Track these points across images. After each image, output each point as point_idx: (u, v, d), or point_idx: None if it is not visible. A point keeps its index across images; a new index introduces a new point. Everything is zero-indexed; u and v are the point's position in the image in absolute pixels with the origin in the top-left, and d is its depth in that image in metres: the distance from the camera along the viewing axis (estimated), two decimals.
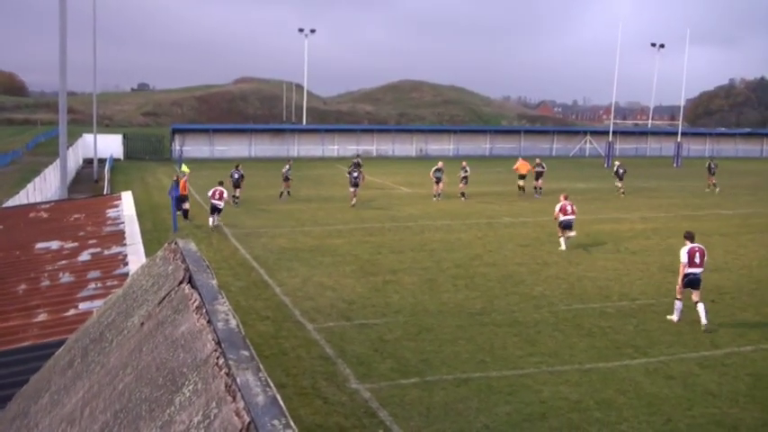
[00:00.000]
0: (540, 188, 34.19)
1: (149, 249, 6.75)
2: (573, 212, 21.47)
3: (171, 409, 2.04)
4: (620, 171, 35.90)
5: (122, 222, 9.32)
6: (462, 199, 32.56)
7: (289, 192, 32.81)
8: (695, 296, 14.43)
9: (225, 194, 24.89)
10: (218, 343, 2.17)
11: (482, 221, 26.96)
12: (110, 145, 51.41)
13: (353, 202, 30.16)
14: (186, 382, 2.10)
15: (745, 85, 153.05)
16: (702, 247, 14.79)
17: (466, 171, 33.19)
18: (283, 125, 72.41)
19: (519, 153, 52.43)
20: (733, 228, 26.46)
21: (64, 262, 7.37)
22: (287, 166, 33.36)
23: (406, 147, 62.23)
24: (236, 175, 29.85)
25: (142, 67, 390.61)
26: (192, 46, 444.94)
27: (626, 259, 20.60)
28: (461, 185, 33.04)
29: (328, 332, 13.62)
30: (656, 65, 69.54)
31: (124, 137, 56.34)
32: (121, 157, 53.74)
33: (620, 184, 35.76)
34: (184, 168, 29.06)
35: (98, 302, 5.31)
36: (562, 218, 21.46)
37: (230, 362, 2.01)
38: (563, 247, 21.56)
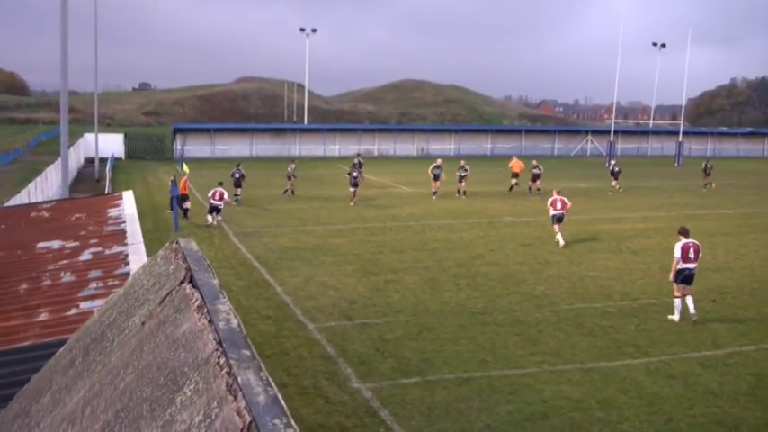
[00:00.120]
0: (539, 189, 34.24)
1: (150, 249, 6.74)
2: (563, 207, 22.12)
3: (172, 408, 2.04)
4: (616, 170, 37.31)
5: (123, 222, 9.31)
6: (463, 197, 32.69)
7: (293, 190, 33.10)
8: (686, 290, 14.57)
9: (225, 195, 25.14)
10: (220, 342, 2.16)
11: (483, 221, 26.95)
12: (111, 144, 51.43)
13: (353, 202, 30.32)
14: (187, 382, 2.10)
15: (746, 85, 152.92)
16: (697, 243, 14.80)
17: (465, 170, 33.35)
18: (285, 125, 72.49)
19: (520, 153, 52.36)
20: (735, 227, 26.44)
21: (65, 261, 7.37)
22: (293, 165, 34.01)
23: (408, 146, 62.22)
24: (237, 175, 30.42)
25: (144, 66, 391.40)
26: (193, 46, 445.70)
27: (627, 259, 20.59)
28: (461, 184, 33.23)
29: (330, 331, 13.63)
30: (658, 64, 69.59)
31: (125, 136, 56.38)
32: (123, 156, 53.77)
33: (614, 183, 36.90)
34: (185, 169, 29.09)
35: (99, 302, 5.31)
36: (552, 212, 22.28)
37: (231, 361, 2.01)
38: (560, 241, 21.84)
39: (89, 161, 48.86)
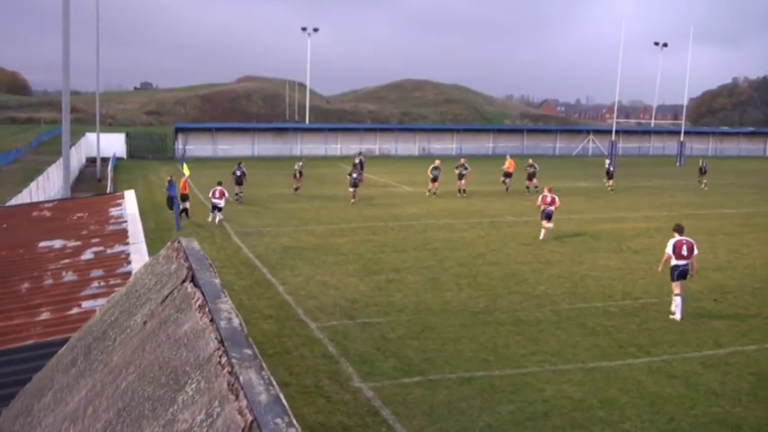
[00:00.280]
0: (537, 187, 34.24)
1: (152, 248, 6.74)
2: (552, 203, 22.89)
3: (174, 407, 2.04)
4: (610, 170, 38.11)
5: (125, 221, 9.32)
6: (464, 196, 32.76)
7: (299, 188, 33.60)
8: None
9: (225, 194, 25.44)
10: (221, 341, 2.17)
11: (485, 220, 26.94)
12: (113, 144, 51.46)
13: (353, 201, 30.49)
14: (189, 381, 2.10)
15: (748, 84, 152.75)
16: (691, 240, 14.81)
17: (465, 168, 33.49)
18: (286, 124, 72.56)
19: (522, 152, 52.44)
20: (736, 227, 26.41)
21: (67, 261, 7.37)
22: (300, 163, 34.87)
23: (409, 146, 62.20)
24: (239, 173, 30.84)
25: (145, 66, 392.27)
26: (195, 45, 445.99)
27: (629, 258, 20.57)
28: (461, 182, 33.42)
29: (331, 331, 13.63)
30: (660, 64, 69.58)
31: (127, 136, 56.41)
32: (124, 155, 53.80)
33: (609, 182, 37.53)
34: (185, 170, 29.15)
35: (101, 301, 5.31)
36: (542, 207, 23.11)
37: (233, 360, 2.01)
38: (541, 236, 22.90)
39: (91, 161, 48.87)
